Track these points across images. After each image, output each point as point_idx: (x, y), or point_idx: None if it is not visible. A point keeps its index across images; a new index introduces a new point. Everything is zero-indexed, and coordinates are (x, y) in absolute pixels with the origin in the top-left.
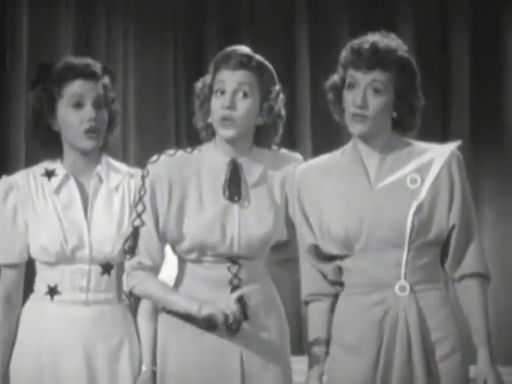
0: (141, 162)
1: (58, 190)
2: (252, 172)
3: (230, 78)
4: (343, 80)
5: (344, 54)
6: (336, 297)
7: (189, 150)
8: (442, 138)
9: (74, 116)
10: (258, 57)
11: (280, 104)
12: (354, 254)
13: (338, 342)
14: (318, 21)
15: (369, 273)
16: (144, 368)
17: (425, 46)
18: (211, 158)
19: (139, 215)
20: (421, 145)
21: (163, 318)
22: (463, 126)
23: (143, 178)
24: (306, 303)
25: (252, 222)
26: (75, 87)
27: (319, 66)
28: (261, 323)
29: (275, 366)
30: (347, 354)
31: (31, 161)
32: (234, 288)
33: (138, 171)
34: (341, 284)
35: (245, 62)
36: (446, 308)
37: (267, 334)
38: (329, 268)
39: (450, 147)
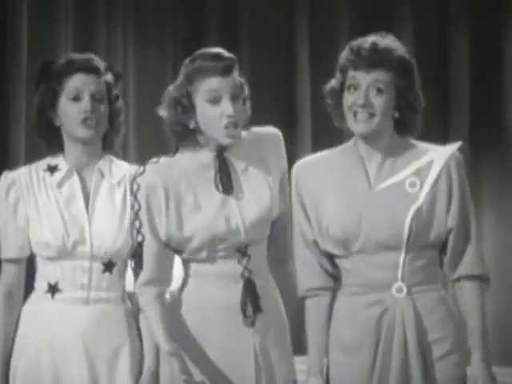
0: (141, 159)
1: (60, 185)
2: (239, 159)
3: (224, 85)
4: (343, 83)
5: (343, 55)
6: (335, 291)
7: (171, 154)
8: (442, 137)
9: (72, 108)
10: (234, 56)
11: (247, 93)
12: (351, 255)
13: (335, 342)
14: (318, 20)
15: (366, 274)
16: (146, 368)
17: (425, 46)
18: (196, 157)
19: (139, 231)
20: (422, 146)
21: (177, 316)
22: (463, 126)
23: (135, 192)
24: (304, 298)
25: (251, 206)
26: (75, 80)
27: (319, 65)
28: (269, 316)
29: (285, 358)
30: (345, 354)
31: (31, 160)
32: (246, 281)
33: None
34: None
35: (232, 65)
36: (444, 309)
37: (276, 326)
38: (330, 262)
39: (451, 149)
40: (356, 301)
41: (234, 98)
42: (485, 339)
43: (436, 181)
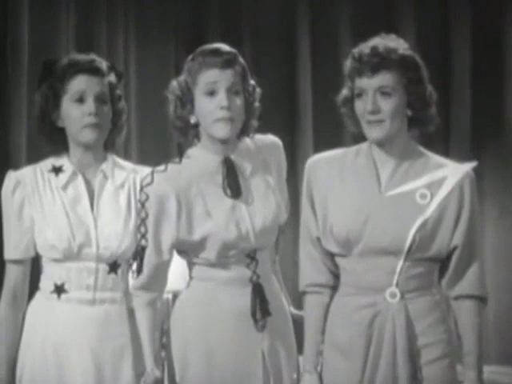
0: (142, 159)
1: (65, 186)
2: (245, 164)
3: (222, 78)
4: (352, 91)
5: (347, 64)
6: (335, 289)
7: (176, 160)
8: (443, 135)
9: (76, 110)
10: (236, 51)
11: (257, 96)
12: (351, 256)
13: (329, 342)
14: (319, 20)
15: (362, 276)
16: (148, 370)
17: (425, 46)
18: (203, 162)
19: (143, 235)
20: (436, 159)
21: (183, 320)
22: (464, 123)
23: (143, 202)
24: (304, 294)
25: (259, 211)
26: (78, 82)
27: (320, 64)
28: (277, 319)
29: (292, 360)
30: (338, 355)
31: (32, 160)
32: (254, 285)
33: (142, 168)
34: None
35: (232, 60)
36: (436, 313)
37: (283, 329)
38: (332, 261)
39: (466, 167)
40: (350, 302)
41: (232, 92)
42: (480, 360)
43: (447, 196)
